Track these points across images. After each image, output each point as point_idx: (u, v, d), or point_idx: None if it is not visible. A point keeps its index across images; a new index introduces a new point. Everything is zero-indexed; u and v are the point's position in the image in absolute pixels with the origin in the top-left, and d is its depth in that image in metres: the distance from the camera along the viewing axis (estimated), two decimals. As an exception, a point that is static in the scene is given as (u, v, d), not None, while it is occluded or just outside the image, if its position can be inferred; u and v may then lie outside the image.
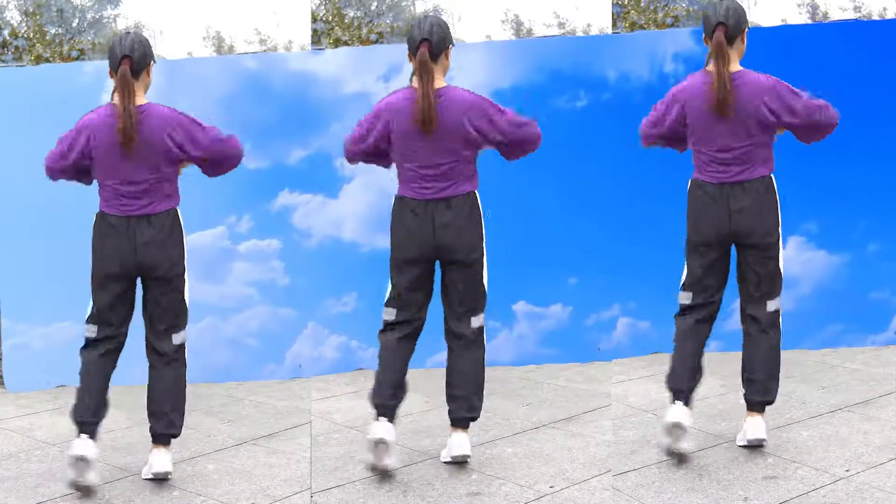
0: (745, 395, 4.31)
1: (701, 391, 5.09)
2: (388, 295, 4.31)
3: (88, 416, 4.13)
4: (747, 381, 4.31)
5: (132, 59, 4.03)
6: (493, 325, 5.73)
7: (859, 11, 6.02)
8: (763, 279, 4.26)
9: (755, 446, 4.21)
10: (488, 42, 5.97)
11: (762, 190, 4.18)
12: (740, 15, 4.11)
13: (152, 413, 4.22)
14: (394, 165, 4.29)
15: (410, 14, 6.03)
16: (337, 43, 6.02)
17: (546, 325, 5.94)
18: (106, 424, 4.98)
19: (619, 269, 5.67)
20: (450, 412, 4.26)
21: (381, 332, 4.29)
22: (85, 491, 4.05)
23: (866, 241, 5.89)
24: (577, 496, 3.88)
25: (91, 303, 4.17)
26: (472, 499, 3.90)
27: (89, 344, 4.21)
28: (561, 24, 6.05)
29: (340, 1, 6.02)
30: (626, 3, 6.02)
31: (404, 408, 5.06)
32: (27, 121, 5.64)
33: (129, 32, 4.14)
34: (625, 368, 5.57)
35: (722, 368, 5.40)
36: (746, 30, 4.16)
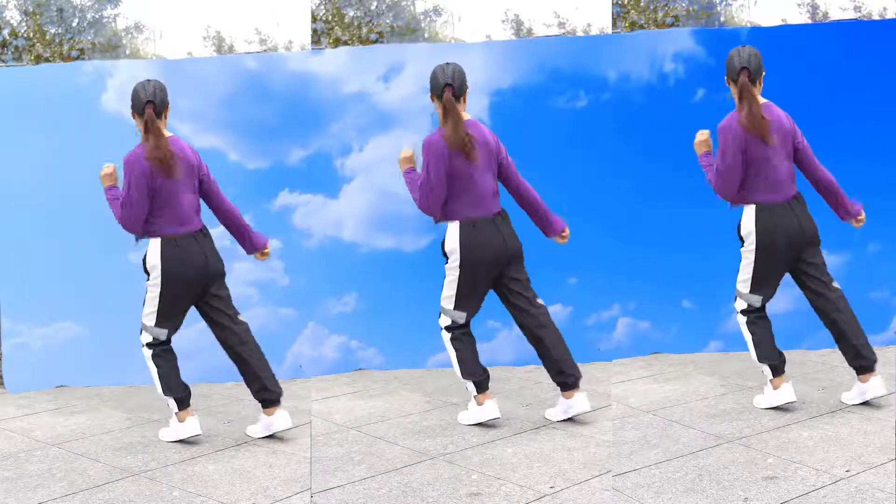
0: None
1: (701, 391, 5.10)
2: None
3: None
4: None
5: (154, 104, 4.54)
6: (493, 324, 5.74)
7: (859, 11, 6.02)
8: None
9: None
10: (488, 42, 5.97)
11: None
12: (760, 61, 4.61)
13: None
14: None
15: (410, 14, 6.03)
16: (337, 43, 6.02)
17: (546, 325, 5.93)
18: (106, 424, 5.00)
19: (619, 269, 5.67)
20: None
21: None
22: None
23: (866, 241, 5.89)
24: (577, 496, 3.88)
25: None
26: (472, 499, 3.90)
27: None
28: (561, 24, 6.05)
29: (340, 1, 6.02)
30: (626, 2, 6.02)
31: (404, 408, 5.07)
32: (27, 121, 5.64)
33: (149, 81, 4.60)
34: (625, 368, 5.57)
35: (722, 368, 5.40)
36: (763, 74, 4.63)
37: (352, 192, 5.95)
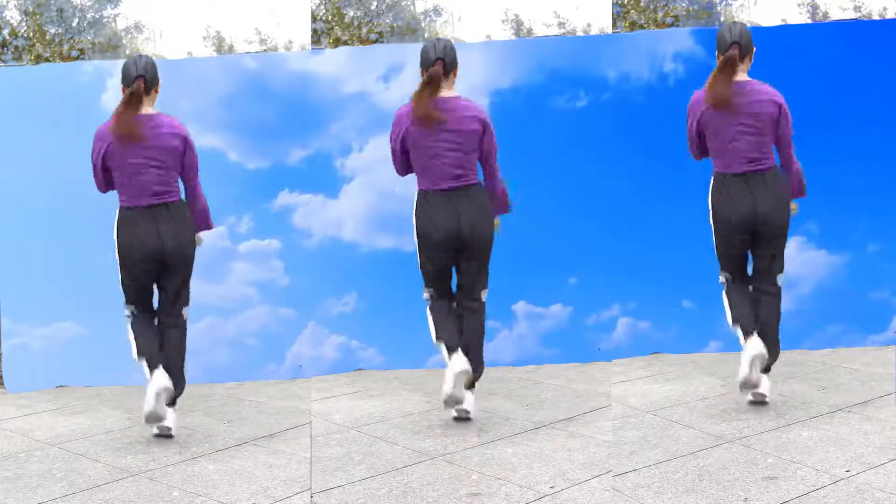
0: None
1: (701, 391, 5.10)
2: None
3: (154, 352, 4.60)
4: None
5: (145, 78, 4.53)
6: (493, 324, 5.73)
7: (859, 11, 6.02)
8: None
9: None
10: (488, 42, 5.97)
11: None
12: (750, 37, 4.61)
13: None
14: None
15: (410, 14, 6.03)
16: (337, 43, 6.02)
17: (546, 325, 5.94)
18: (106, 424, 5.00)
19: (619, 269, 5.67)
20: None
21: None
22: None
23: (866, 241, 5.89)
24: (577, 496, 3.88)
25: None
26: (472, 499, 3.90)
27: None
28: (561, 24, 6.05)
29: (340, 1, 6.02)
30: (626, 2, 6.02)
31: (404, 408, 5.07)
32: (27, 121, 5.64)
33: (141, 56, 4.63)
34: (625, 368, 5.57)
35: (722, 368, 5.40)
36: (754, 51, 4.64)
37: (352, 192, 5.96)
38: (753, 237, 4.68)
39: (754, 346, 4.59)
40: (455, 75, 4.66)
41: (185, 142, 4.64)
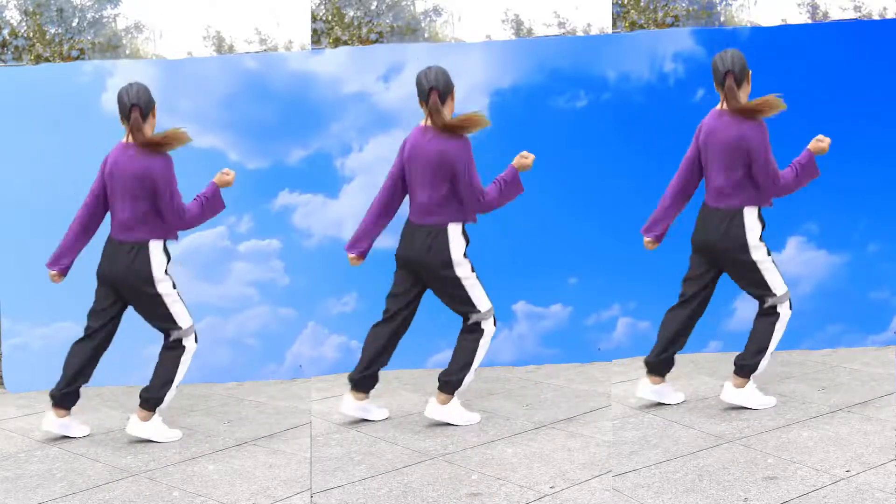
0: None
1: (701, 391, 5.10)
2: None
3: None
4: None
5: (140, 107, 4.62)
6: (493, 324, 5.72)
7: (859, 11, 6.02)
8: None
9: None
10: (488, 42, 5.97)
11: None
12: (743, 63, 4.65)
13: None
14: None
15: (410, 14, 6.03)
16: (337, 43, 6.01)
17: (546, 325, 5.94)
18: (106, 424, 5.00)
19: (619, 269, 5.67)
20: None
21: None
22: None
23: (866, 241, 5.89)
24: (577, 496, 3.88)
25: None
26: (472, 499, 3.90)
27: None
28: (561, 24, 6.05)
29: (340, 1, 6.02)
30: (626, 2, 6.02)
31: (404, 408, 5.07)
32: (27, 121, 5.64)
33: (132, 84, 4.68)
34: (625, 368, 5.57)
35: (722, 368, 5.40)
36: (750, 73, 4.67)
37: (352, 192, 5.95)
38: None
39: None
40: (452, 98, 4.70)
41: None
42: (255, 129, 5.74)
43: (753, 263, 4.65)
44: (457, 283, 4.69)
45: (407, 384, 5.52)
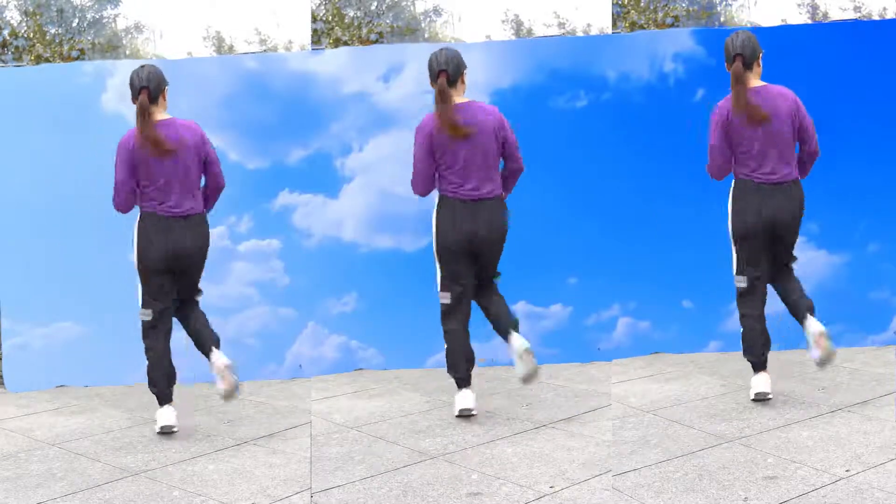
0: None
1: (701, 391, 5.10)
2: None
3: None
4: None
5: (149, 89, 4.60)
6: (493, 324, 5.73)
7: (859, 11, 6.02)
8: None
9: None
10: (488, 42, 5.97)
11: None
12: (755, 45, 4.70)
13: None
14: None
15: (410, 14, 6.03)
16: (337, 43, 6.02)
17: (546, 325, 5.94)
18: (106, 424, 5.00)
19: (619, 269, 5.67)
20: None
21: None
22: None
23: (866, 241, 5.89)
24: (577, 496, 3.88)
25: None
26: (472, 499, 3.90)
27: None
28: (561, 24, 6.05)
29: (340, 1, 6.02)
30: (626, 3, 6.02)
31: (404, 408, 5.07)
32: (27, 121, 5.64)
33: (143, 66, 4.69)
34: (625, 368, 5.57)
35: (722, 368, 5.40)
36: (761, 55, 4.72)
37: (352, 192, 5.95)
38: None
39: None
40: (463, 82, 4.75)
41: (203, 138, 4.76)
42: (255, 129, 5.75)
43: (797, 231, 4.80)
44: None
45: (407, 384, 5.52)
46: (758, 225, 4.70)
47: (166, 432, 4.71)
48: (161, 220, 4.64)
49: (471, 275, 4.81)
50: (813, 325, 4.71)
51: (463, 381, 4.80)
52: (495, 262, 4.86)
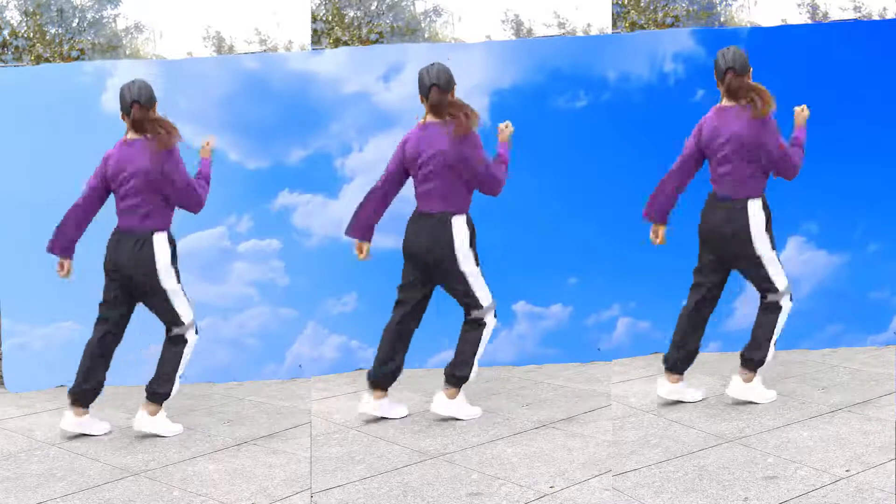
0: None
1: (701, 391, 5.10)
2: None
3: None
4: None
5: (139, 103, 4.65)
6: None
7: (859, 11, 6.02)
8: None
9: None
10: (488, 42, 5.97)
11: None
12: (745, 59, 4.70)
13: None
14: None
15: (410, 14, 6.03)
16: (337, 43, 6.02)
17: (546, 325, 5.94)
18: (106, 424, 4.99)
19: (619, 269, 5.67)
20: None
21: None
22: None
23: (866, 241, 5.89)
24: (577, 496, 3.88)
25: None
26: (472, 499, 3.90)
27: None
28: (561, 24, 6.05)
29: (340, 1, 6.02)
30: (626, 3, 6.02)
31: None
32: (27, 121, 5.64)
33: (134, 81, 4.71)
34: (625, 368, 5.57)
35: (722, 368, 5.40)
36: (751, 70, 4.73)
37: (352, 192, 5.95)
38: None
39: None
40: (453, 95, 4.76)
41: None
42: (254, 129, 5.75)
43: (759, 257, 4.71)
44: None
45: (407, 384, 5.52)
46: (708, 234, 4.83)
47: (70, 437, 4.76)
48: (114, 232, 4.76)
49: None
50: (737, 380, 4.81)
51: (375, 384, 4.85)
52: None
